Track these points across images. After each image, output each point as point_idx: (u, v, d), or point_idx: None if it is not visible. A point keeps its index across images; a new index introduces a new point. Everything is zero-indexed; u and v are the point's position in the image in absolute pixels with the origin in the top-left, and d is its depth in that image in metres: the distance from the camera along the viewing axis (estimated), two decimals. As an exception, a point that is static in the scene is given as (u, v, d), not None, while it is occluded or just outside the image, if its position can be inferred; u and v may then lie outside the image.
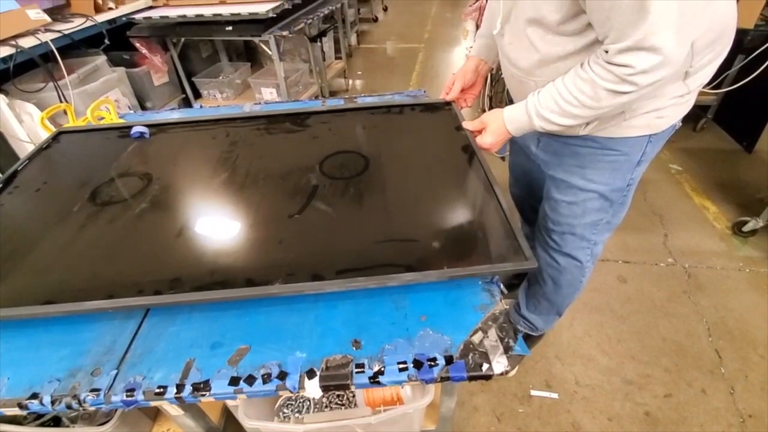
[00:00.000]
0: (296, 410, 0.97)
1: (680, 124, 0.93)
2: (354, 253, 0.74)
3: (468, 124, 1.01)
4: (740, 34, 2.12)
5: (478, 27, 3.82)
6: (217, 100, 2.80)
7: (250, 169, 0.97)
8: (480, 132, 0.96)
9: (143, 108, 2.50)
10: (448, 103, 1.17)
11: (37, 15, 2.02)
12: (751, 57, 1.92)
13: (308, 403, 0.99)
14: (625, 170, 0.96)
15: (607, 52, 0.70)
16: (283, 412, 0.98)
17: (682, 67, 0.78)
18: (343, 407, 0.96)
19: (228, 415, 1.12)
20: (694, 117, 2.75)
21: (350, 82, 3.79)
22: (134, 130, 1.11)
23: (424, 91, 1.42)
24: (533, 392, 1.39)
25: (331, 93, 3.48)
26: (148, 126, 1.13)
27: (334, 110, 1.20)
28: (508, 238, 0.73)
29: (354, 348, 0.64)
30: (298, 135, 1.11)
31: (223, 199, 0.89)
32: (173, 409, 0.85)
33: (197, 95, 2.85)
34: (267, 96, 2.71)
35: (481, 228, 0.77)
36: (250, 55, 3.28)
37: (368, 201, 0.86)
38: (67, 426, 1.02)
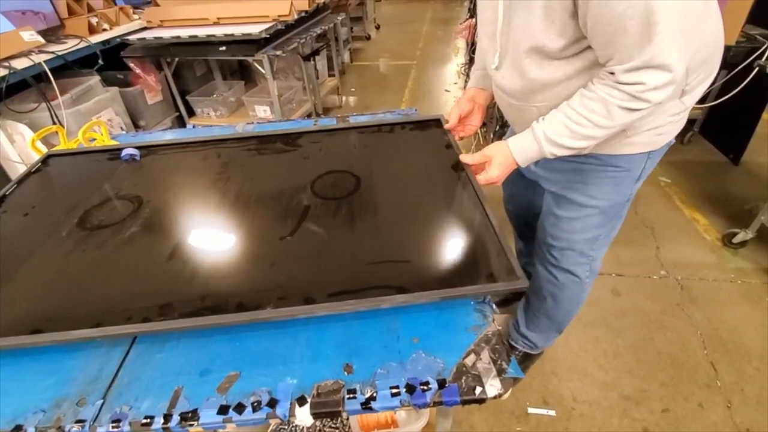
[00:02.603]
0: (289, 435, 0.95)
1: (674, 140, 0.95)
2: (346, 275, 0.74)
3: (468, 158, 0.95)
4: (724, 50, 2.18)
5: (468, 44, 3.90)
6: (211, 118, 2.81)
7: (242, 191, 0.97)
8: (481, 167, 0.93)
9: (136, 127, 2.51)
10: (437, 120, 1.18)
11: (30, 37, 2.03)
12: (733, 72, 1.97)
13: (301, 427, 0.97)
14: (625, 186, 0.98)
15: (613, 73, 0.72)
16: (276, 437, 0.96)
17: (679, 86, 0.81)
18: (336, 430, 0.95)
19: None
20: (681, 130, 2.79)
21: (343, 98, 3.83)
22: (125, 152, 1.10)
23: (416, 110, 1.44)
24: (530, 410, 1.37)
25: (325, 110, 3.52)
26: (138, 148, 1.13)
27: (325, 130, 1.21)
28: (500, 257, 0.73)
29: (345, 373, 0.63)
30: (290, 155, 1.11)
31: (214, 222, 0.88)
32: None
33: (191, 113, 2.86)
34: (261, 114, 2.72)
35: (473, 247, 0.77)
36: (244, 74, 3.31)
37: (360, 221, 0.86)
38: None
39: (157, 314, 0.68)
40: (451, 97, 3.82)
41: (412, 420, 0.89)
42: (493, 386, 0.59)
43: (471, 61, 4.11)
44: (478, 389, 0.59)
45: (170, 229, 0.87)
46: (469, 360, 0.63)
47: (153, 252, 0.81)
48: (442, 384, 0.60)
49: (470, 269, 0.73)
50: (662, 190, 2.36)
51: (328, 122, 1.35)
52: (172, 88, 2.66)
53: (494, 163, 0.90)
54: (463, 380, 0.60)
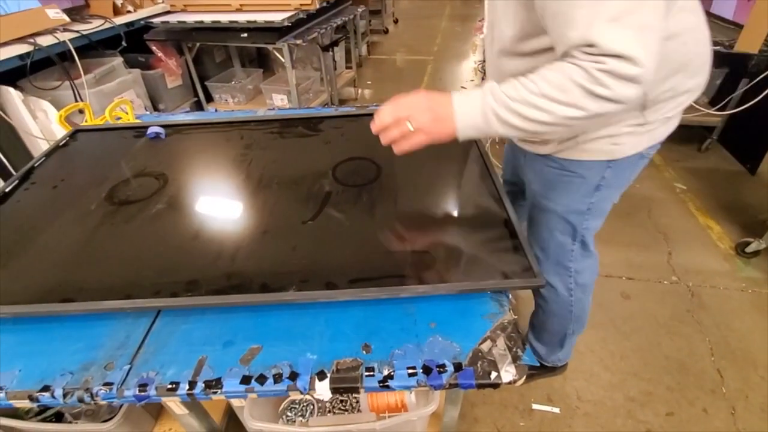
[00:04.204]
0: (299, 413, 0.98)
1: (646, 155, 0.91)
2: (365, 261, 0.75)
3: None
4: (745, 58, 2.16)
5: (486, 41, 3.88)
6: (229, 105, 2.83)
7: (264, 173, 0.99)
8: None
9: (156, 109, 2.54)
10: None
11: (56, 14, 2.06)
12: (755, 81, 1.95)
13: (312, 406, 0.99)
14: (582, 193, 0.95)
15: (574, 56, 0.63)
16: (287, 415, 0.98)
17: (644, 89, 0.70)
18: (346, 412, 0.97)
19: (230, 417, 1.13)
20: (699, 137, 2.77)
21: (360, 91, 3.84)
22: (150, 130, 1.13)
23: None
24: (535, 406, 1.38)
25: (341, 102, 3.52)
26: (163, 126, 1.15)
27: (346, 115, 1.22)
28: (518, 253, 0.74)
29: (364, 352, 0.64)
30: (311, 140, 1.12)
31: (238, 202, 0.90)
32: (178, 408, 0.85)
33: (209, 99, 2.89)
34: (278, 102, 2.74)
35: (491, 241, 0.78)
36: (262, 62, 3.33)
37: (379, 210, 0.87)
38: (70, 422, 1.02)
39: (184, 290, 0.70)
40: (466, 94, 3.81)
41: (421, 405, 0.91)
42: (508, 372, 0.61)
43: (488, 58, 4.10)
44: (494, 374, 0.60)
45: (195, 208, 0.89)
46: (485, 346, 0.64)
47: (179, 229, 0.84)
48: (458, 367, 0.61)
49: (488, 263, 0.74)
50: (677, 197, 2.34)
51: (347, 110, 1.36)
52: (192, 73, 2.69)
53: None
54: (478, 365, 0.62)
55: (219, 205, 0.90)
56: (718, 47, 2.16)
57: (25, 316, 0.70)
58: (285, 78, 2.77)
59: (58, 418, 1.02)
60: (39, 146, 1.99)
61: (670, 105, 0.82)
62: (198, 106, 2.85)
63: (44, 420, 1.01)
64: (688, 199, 2.32)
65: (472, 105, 0.72)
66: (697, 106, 2.28)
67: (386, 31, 5.68)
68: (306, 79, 2.84)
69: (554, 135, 0.87)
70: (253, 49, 3.28)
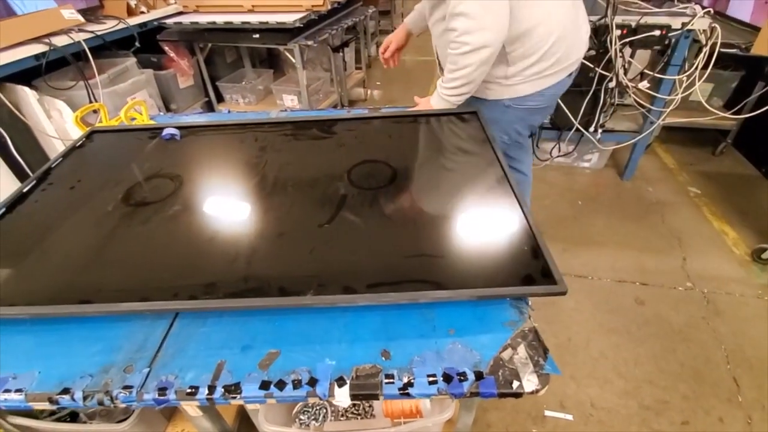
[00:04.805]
0: (313, 417, 0.97)
1: (509, 105, 1.29)
2: (383, 266, 0.74)
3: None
4: (761, 61, 2.12)
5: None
6: (239, 105, 2.85)
7: (279, 175, 0.98)
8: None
9: (168, 109, 2.55)
10: (474, 113, 1.18)
11: (71, 15, 2.08)
12: (774, 84, 1.91)
13: (325, 410, 0.99)
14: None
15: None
16: (300, 419, 0.98)
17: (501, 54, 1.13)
18: (359, 417, 0.96)
19: (242, 419, 1.12)
20: (713, 141, 2.73)
21: (369, 92, 3.83)
22: (165, 131, 1.13)
23: (448, 105, 1.43)
24: (547, 412, 1.37)
25: (350, 102, 3.52)
26: (178, 128, 1.16)
27: (360, 118, 1.22)
28: (538, 258, 0.73)
29: (383, 358, 0.64)
30: (325, 142, 1.12)
31: (253, 205, 0.90)
32: (193, 411, 0.85)
33: (220, 99, 2.90)
34: (288, 103, 2.75)
35: (509, 246, 0.77)
36: (273, 62, 3.34)
37: (396, 213, 0.86)
38: (84, 422, 1.02)
39: (202, 292, 0.70)
40: (476, 95, 3.79)
41: (436, 410, 0.90)
42: (530, 381, 0.60)
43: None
44: (516, 383, 0.59)
45: (211, 210, 0.89)
46: (506, 354, 0.63)
47: (195, 231, 0.84)
48: (479, 375, 0.60)
49: (507, 268, 0.73)
50: (691, 201, 2.31)
51: (360, 112, 1.36)
52: (204, 73, 2.71)
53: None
54: (499, 373, 0.61)
55: (234, 207, 0.90)
56: (734, 50, 2.13)
57: (44, 317, 0.70)
58: (295, 79, 2.78)
59: (73, 417, 1.02)
60: (53, 145, 2.01)
61: (525, 63, 1.18)
62: (209, 107, 2.87)
63: (59, 420, 1.01)
64: (703, 204, 2.29)
65: (435, 98, 1.24)
66: (711, 109, 2.25)
67: (395, 32, 5.66)
68: (316, 79, 2.84)
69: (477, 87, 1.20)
70: (263, 50, 3.29)
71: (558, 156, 2.43)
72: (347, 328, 0.69)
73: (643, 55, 2.41)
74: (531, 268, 0.72)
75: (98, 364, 0.65)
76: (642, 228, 2.12)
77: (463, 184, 0.94)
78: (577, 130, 2.24)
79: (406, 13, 6.02)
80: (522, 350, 0.64)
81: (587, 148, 2.51)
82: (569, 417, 1.35)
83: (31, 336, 0.70)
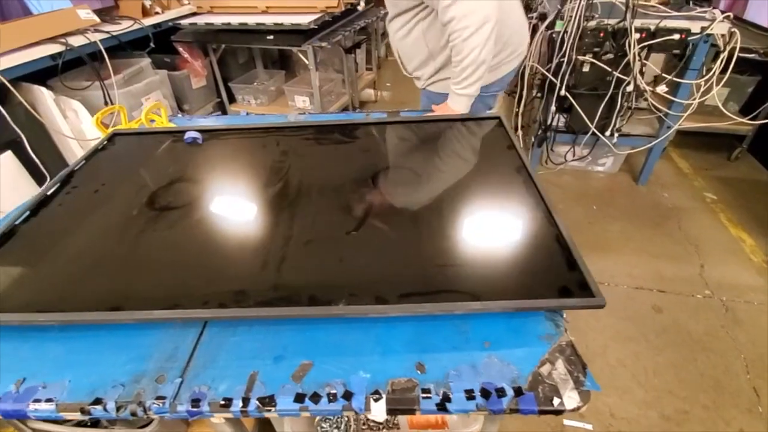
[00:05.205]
0: (335, 426, 0.96)
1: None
2: (414, 275, 0.73)
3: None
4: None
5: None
6: (251, 106, 2.84)
7: (303, 181, 0.97)
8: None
9: (181, 110, 2.55)
10: (498, 119, 1.17)
11: (87, 15, 2.09)
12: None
13: (347, 419, 0.97)
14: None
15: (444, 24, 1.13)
16: (322, 427, 0.97)
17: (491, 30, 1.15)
18: (383, 427, 0.95)
19: (260, 423, 1.12)
20: (727, 146, 2.70)
21: (379, 93, 3.82)
22: (188, 135, 1.12)
23: (467, 109, 1.42)
24: (567, 422, 1.35)
25: (361, 104, 3.52)
26: (200, 131, 1.15)
27: (382, 122, 1.21)
28: (573, 269, 0.72)
29: (418, 371, 0.63)
30: (348, 147, 1.11)
31: (280, 211, 0.89)
32: (217, 418, 0.84)
33: (231, 100, 2.90)
34: (300, 104, 2.74)
35: (542, 256, 0.76)
36: (284, 63, 3.34)
37: (423, 220, 0.85)
38: (106, 427, 1.02)
39: (232, 300, 0.69)
40: (487, 97, 3.77)
41: (461, 422, 0.89)
42: (571, 398, 0.58)
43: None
44: (556, 400, 0.58)
45: (237, 215, 0.89)
46: (545, 369, 0.62)
47: (222, 236, 0.83)
48: (518, 392, 0.59)
49: (542, 279, 0.71)
50: (708, 207, 2.28)
51: (379, 116, 1.35)
52: (216, 74, 2.71)
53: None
54: (539, 390, 0.59)
55: (260, 212, 0.89)
56: (752, 54, 2.10)
57: (74, 324, 0.69)
58: (307, 80, 2.78)
59: (94, 423, 1.02)
60: (68, 145, 2.02)
61: (495, 60, 1.31)
62: (221, 107, 2.87)
63: (79, 425, 1.01)
64: (719, 210, 2.26)
65: (453, 98, 1.26)
66: (729, 114, 2.23)
67: (404, 33, 5.65)
68: (328, 81, 2.83)
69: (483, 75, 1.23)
70: (275, 51, 3.29)
71: (572, 160, 2.41)
72: (379, 339, 0.68)
73: (655, 59, 2.39)
74: (566, 280, 0.70)
75: (129, 372, 0.64)
76: (658, 234, 2.10)
77: (491, 192, 0.93)
78: (593, 134, 2.22)
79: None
80: (560, 365, 0.63)
81: (602, 152, 2.49)
82: (589, 427, 1.34)
83: (59, 343, 0.69)
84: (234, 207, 0.91)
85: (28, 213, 0.90)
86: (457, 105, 1.25)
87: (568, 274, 0.71)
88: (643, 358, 1.53)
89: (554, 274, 0.72)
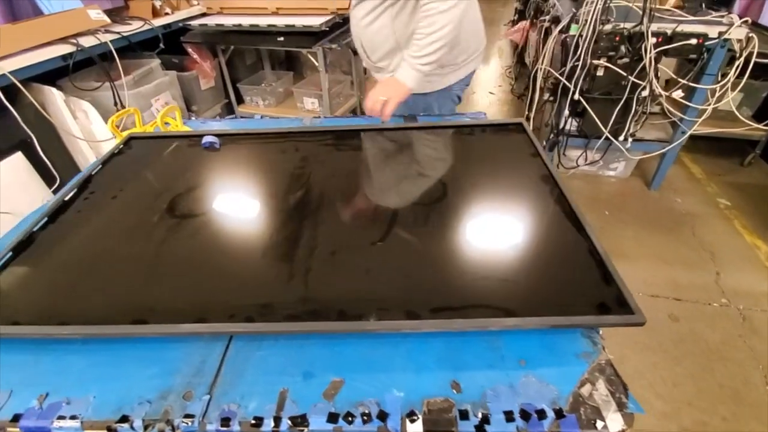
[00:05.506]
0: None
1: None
2: (444, 288, 0.71)
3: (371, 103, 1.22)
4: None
5: (517, 46, 3.81)
6: (259, 107, 2.82)
7: (325, 188, 0.96)
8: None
9: (189, 111, 2.54)
10: (519, 125, 1.15)
11: (97, 15, 2.07)
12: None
13: None
14: (418, 111, 1.46)
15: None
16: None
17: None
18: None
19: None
20: (740, 151, 2.68)
21: (386, 95, 3.80)
22: (205, 139, 1.10)
23: (485, 114, 1.40)
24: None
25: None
26: (217, 136, 1.13)
27: (403, 128, 1.19)
28: (609, 284, 0.70)
29: (454, 391, 0.61)
30: (369, 153, 1.10)
31: (303, 219, 0.87)
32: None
33: (239, 101, 2.88)
34: (308, 106, 2.72)
35: (577, 271, 0.74)
36: (292, 65, 3.31)
37: (450, 231, 0.83)
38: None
39: (259, 314, 0.67)
40: (495, 99, 3.75)
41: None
42: (614, 421, 0.56)
43: (518, 62, 4.03)
44: (600, 423, 0.56)
45: (259, 223, 0.87)
46: (585, 390, 0.60)
47: (245, 246, 0.81)
48: (559, 413, 0.57)
49: (576, 294, 0.69)
50: (721, 213, 2.26)
51: (395, 121, 1.33)
52: (225, 75, 2.69)
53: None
54: (581, 411, 0.57)
55: (283, 220, 0.87)
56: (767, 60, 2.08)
57: (99, 337, 0.67)
58: (315, 81, 2.75)
59: None
60: (78, 147, 2.00)
61: (471, 52, 1.40)
62: (229, 108, 2.85)
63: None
64: (733, 216, 2.24)
65: (406, 71, 1.19)
66: (743, 119, 2.20)
67: (410, 34, 5.63)
68: (337, 83, 2.81)
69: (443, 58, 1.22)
70: (282, 52, 3.27)
71: (584, 164, 2.38)
72: (410, 354, 0.66)
73: (665, 62, 2.37)
74: (603, 295, 0.68)
75: (156, 388, 0.62)
76: (672, 240, 2.08)
77: (519, 201, 0.91)
78: (606, 138, 2.20)
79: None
80: (601, 386, 0.61)
81: (613, 157, 2.47)
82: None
83: (82, 356, 0.67)
84: (255, 214, 0.89)
85: (46, 219, 0.88)
86: (409, 79, 1.19)
87: (604, 289, 0.70)
88: (661, 368, 1.51)
89: (589, 288, 0.70)
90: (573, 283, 0.72)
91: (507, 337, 0.68)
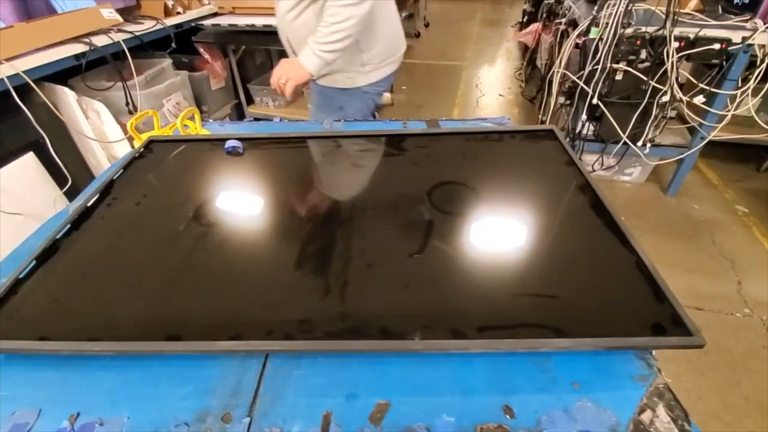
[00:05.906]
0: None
1: (369, 91, 1.56)
2: (489, 305, 0.68)
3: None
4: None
5: (527, 48, 3.78)
6: (269, 108, 2.80)
7: (357, 196, 0.93)
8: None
9: (200, 111, 2.51)
10: (551, 131, 1.12)
11: (110, 14, 2.04)
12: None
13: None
14: (335, 108, 1.59)
15: None
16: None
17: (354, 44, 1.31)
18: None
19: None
20: (756, 157, 2.65)
21: (395, 97, 3.77)
22: (228, 144, 1.07)
23: (509, 119, 1.37)
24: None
25: (376, 107, 3.46)
26: (240, 140, 1.10)
27: (430, 134, 1.16)
28: (661, 303, 0.67)
29: (507, 416, 0.58)
30: (397, 160, 1.06)
31: (335, 229, 0.84)
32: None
33: (249, 101, 2.85)
34: (320, 107, 2.69)
35: (625, 287, 0.71)
36: (301, 65, 3.28)
37: (490, 243, 0.80)
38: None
39: (297, 331, 0.64)
40: (505, 101, 3.72)
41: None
42: (680, 451, 0.53)
43: (529, 64, 4.00)
44: (665, 454, 0.53)
45: (290, 233, 0.84)
46: (646, 417, 0.57)
47: (277, 257, 0.78)
48: (620, 442, 0.54)
49: (628, 313, 0.66)
50: (740, 220, 2.23)
51: (416, 125, 1.30)
52: (236, 75, 2.66)
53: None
54: (644, 440, 0.55)
55: (315, 230, 0.84)
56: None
57: (132, 354, 0.64)
58: (327, 82, 2.72)
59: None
60: (90, 147, 1.97)
61: (377, 59, 1.45)
62: (239, 109, 2.82)
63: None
64: (752, 224, 2.21)
65: (308, 55, 1.28)
66: (764, 125, 2.17)
67: (418, 35, 5.62)
68: (349, 84, 2.78)
69: (344, 52, 1.32)
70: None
71: (601, 169, 2.36)
72: (456, 376, 0.63)
73: (682, 66, 2.34)
74: (656, 314, 0.66)
75: (192, 409, 0.59)
76: (692, 248, 2.04)
77: (559, 212, 0.88)
78: (624, 143, 2.17)
79: (429, 17, 5.98)
80: (662, 412, 0.58)
81: (629, 162, 2.44)
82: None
83: (113, 373, 0.64)
84: (286, 224, 0.86)
85: (69, 226, 0.85)
86: (309, 64, 1.28)
87: (656, 308, 0.67)
88: (685, 380, 1.48)
89: (641, 307, 0.67)
90: (623, 300, 0.69)
91: (557, 358, 0.65)
